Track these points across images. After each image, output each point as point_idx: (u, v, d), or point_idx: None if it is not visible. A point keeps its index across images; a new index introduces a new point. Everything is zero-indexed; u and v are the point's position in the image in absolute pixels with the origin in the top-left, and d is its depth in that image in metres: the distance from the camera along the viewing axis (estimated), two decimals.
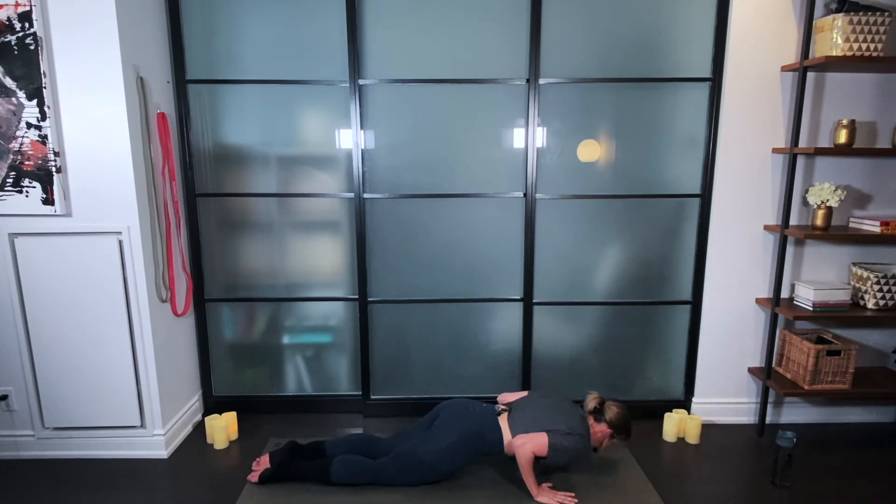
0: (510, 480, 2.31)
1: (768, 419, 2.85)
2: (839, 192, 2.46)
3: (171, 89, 2.62)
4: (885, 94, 2.58)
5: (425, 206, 2.74)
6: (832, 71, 2.52)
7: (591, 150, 2.70)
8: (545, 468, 2.40)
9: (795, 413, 2.86)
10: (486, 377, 2.91)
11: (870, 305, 2.56)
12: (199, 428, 2.80)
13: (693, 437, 2.66)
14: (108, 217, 2.32)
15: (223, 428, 2.60)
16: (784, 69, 2.53)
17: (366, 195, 2.71)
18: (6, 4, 2.11)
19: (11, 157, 2.23)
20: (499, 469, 2.40)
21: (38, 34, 2.14)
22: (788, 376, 2.67)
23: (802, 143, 2.61)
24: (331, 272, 2.83)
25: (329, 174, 2.73)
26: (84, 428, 2.50)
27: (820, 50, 2.42)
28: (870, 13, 2.30)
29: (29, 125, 2.21)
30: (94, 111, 2.24)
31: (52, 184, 2.25)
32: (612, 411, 2.27)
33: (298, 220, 2.78)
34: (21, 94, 2.19)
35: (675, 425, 2.67)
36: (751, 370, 2.79)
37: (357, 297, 2.83)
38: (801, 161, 2.63)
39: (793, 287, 2.73)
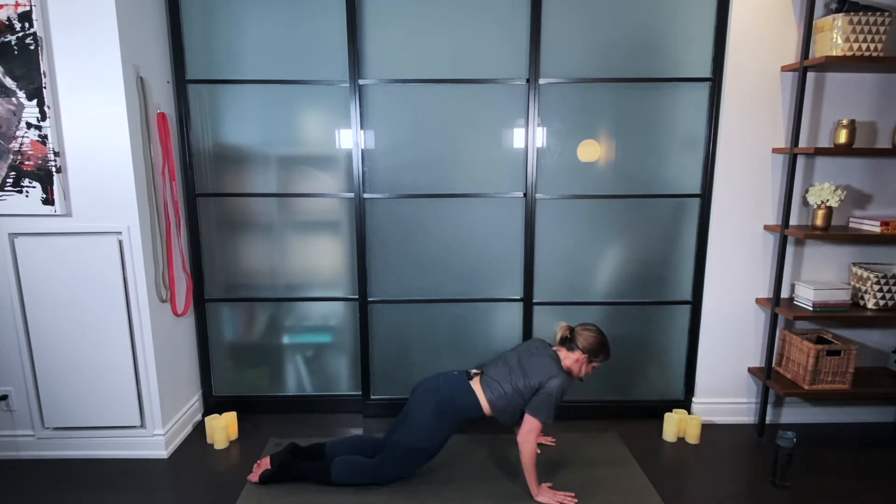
0: (510, 480, 2.31)
1: (768, 419, 2.85)
2: (839, 192, 2.46)
3: (171, 89, 2.62)
4: (885, 94, 2.58)
5: (425, 206, 2.74)
6: (832, 71, 2.52)
7: (591, 150, 2.70)
8: (547, 465, 2.40)
9: (795, 413, 2.86)
10: None
11: (870, 305, 2.56)
12: (199, 428, 2.80)
13: (693, 437, 2.66)
14: (108, 217, 2.32)
15: (223, 428, 2.60)
16: (784, 69, 2.53)
17: (366, 195, 2.71)
18: (6, 4, 2.11)
19: (11, 157, 2.23)
20: (499, 470, 2.40)
21: (38, 34, 2.14)
22: (788, 376, 2.67)
23: (802, 143, 2.61)
24: (331, 272, 2.83)
25: (329, 174, 2.73)
26: (84, 428, 2.50)
27: (820, 50, 2.42)
28: (870, 13, 2.30)
29: (29, 125, 2.21)
30: (94, 111, 2.24)
31: (52, 184, 2.25)
32: (583, 336, 2.22)
33: (298, 220, 2.78)
34: (21, 94, 2.19)
35: (675, 425, 2.67)
36: (751, 370, 2.79)
37: (357, 297, 2.83)
38: (801, 161, 2.63)
39: (793, 287, 2.73)
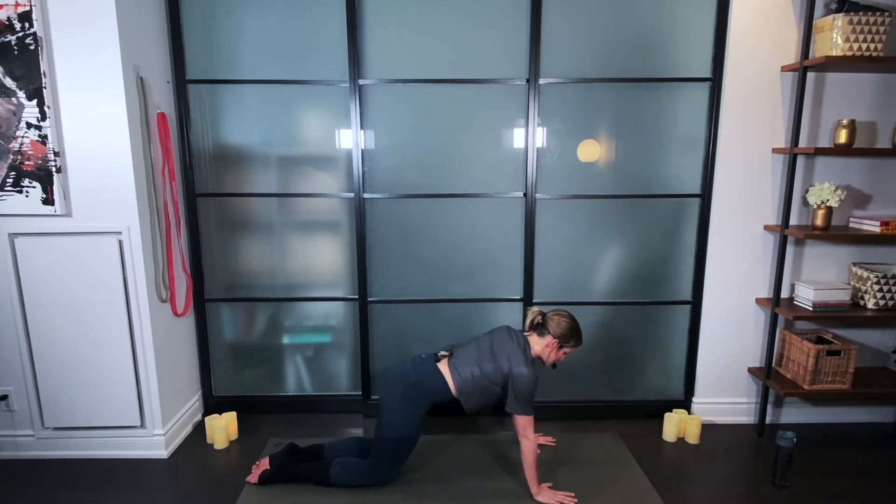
0: (510, 479, 2.31)
1: (768, 419, 2.85)
2: (839, 192, 2.46)
3: (171, 89, 2.62)
4: (885, 94, 2.58)
5: (425, 206, 2.74)
6: (832, 71, 2.52)
7: (591, 150, 2.70)
8: (547, 465, 2.40)
9: (795, 413, 2.86)
10: None
11: (870, 305, 2.56)
12: (199, 428, 2.80)
13: (693, 437, 2.66)
14: (108, 217, 2.32)
15: (223, 428, 2.60)
16: (784, 69, 2.53)
17: (366, 195, 2.71)
18: (6, 4, 2.11)
19: (11, 157, 2.23)
20: (499, 469, 2.40)
21: (38, 34, 2.14)
22: (788, 376, 2.67)
23: (802, 143, 2.61)
24: (331, 272, 2.83)
25: (329, 174, 2.73)
26: (84, 428, 2.50)
27: (820, 50, 2.42)
28: (870, 13, 2.30)
29: (29, 125, 2.21)
30: (94, 111, 2.24)
31: (52, 184, 2.25)
32: (554, 321, 2.21)
33: (298, 220, 2.78)
34: (21, 94, 2.19)
35: (675, 425, 2.67)
36: (751, 370, 2.79)
37: (357, 297, 2.83)
38: (801, 161, 2.63)
39: (793, 287, 2.73)
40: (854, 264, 2.66)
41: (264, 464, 2.31)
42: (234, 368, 2.93)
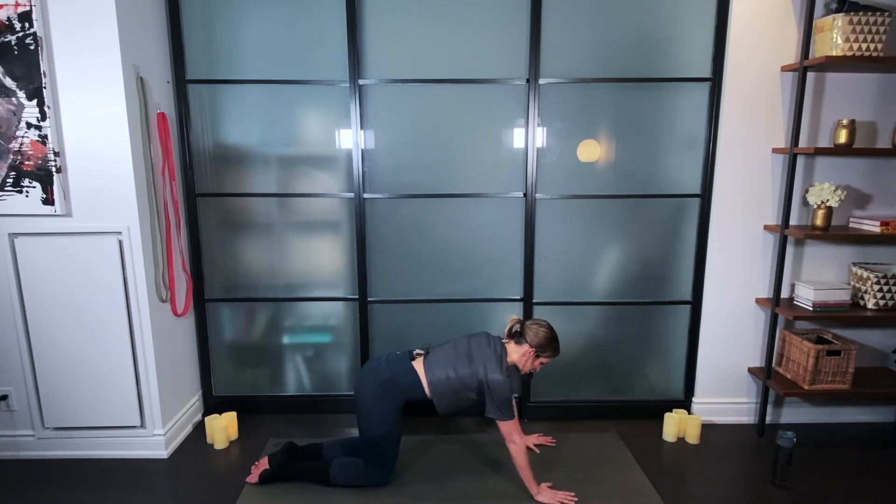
0: (510, 479, 2.31)
1: (768, 419, 2.85)
2: (839, 192, 2.46)
3: (171, 89, 2.62)
4: (885, 94, 2.58)
5: (425, 206, 2.74)
6: (832, 71, 2.52)
7: (591, 150, 2.69)
8: (547, 465, 2.40)
9: (795, 413, 2.86)
10: None
11: (870, 305, 2.56)
12: (199, 428, 2.80)
13: (693, 437, 2.66)
14: (108, 217, 2.32)
15: (223, 428, 2.60)
16: (784, 69, 2.53)
17: (366, 195, 2.71)
18: (6, 4, 2.11)
19: (11, 157, 2.23)
20: (499, 468, 2.40)
21: (38, 34, 2.14)
22: (788, 376, 2.67)
23: (802, 143, 2.61)
24: (331, 272, 2.83)
25: (329, 174, 2.73)
26: (84, 428, 2.50)
27: (820, 50, 2.42)
28: (870, 13, 2.30)
29: (29, 125, 2.21)
30: (94, 111, 2.24)
31: (52, 184, 2.25)
32: (532, 331, 2.20)
33: (298, 220, 2.78)
34: (21, 94, 2.19)
35: (675, 425, 2.67)
36: (751, 370, 2.79)
37: (357, 297, 2.83)
38: (801, 161, 2.63)
39: (793, 287, 2.73)
40: (854, 264, 2.66)
41: (263, 464, 2.31)
42: (234, 368, 2.93)
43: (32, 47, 2.15)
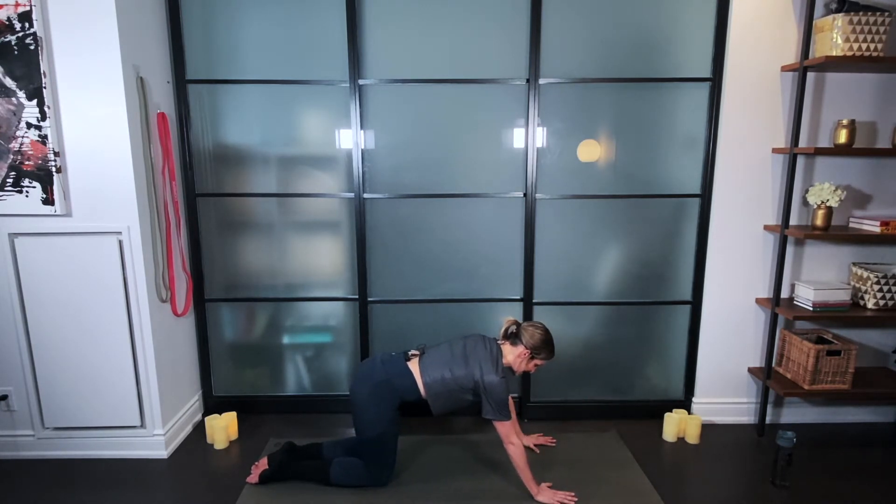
0: (510, 480, 2.31)
1: (768, 419, 2.85)
2: (839, 192, 2.46)
3: (171, 89, 2.62)
4: (885, 94, 2.58)
5: (425, 206, 2.74)
6: (832, 71, 2.52)
7: (591, 150, 2.69)
8: (547, 465, 2.40)
9: (795, 413, 2.86)
10: None
11: (870, 305, 2.56)
12: (199, 428, 2.80)
13: (693, 437, 2.66)
14: (108, 217, 2.32)
15: (223, 428, 2.60)
16: (784, 69, 2.53)
17: (366, 195, 2.71)
18: (6, 4, 2.11)
19: (11, 157, 2.23)
20: (499, 469, 2.40)
21: (38, 34, 2.14)
22: (788, 376, 2.67)
23: (802, 143, 2.61)
24: (331, 272, 2.83)
25: (329, 174, 2.73)
26: (84, 428, 2.50)
27: (820, 50, 2.42)
28: (870, 13, 2.30)
29: (29, 125, 2.21)
30: (94, 111, 2.24)
31: (52, 184, 2.25)
32: (528, 332, 2.21)
33: (298, 220, 2.78)
34: (21, 94, 2.19)
35: (675, 425, 2.67)
36: (751, 370, 2.79)
37: (357, 297, 2.83)
38: (801, 161, 2.63)
39: (793, 287, 2.73)
40: (854, 264, 2.66)
41: (263, 464, 2.31)
42: (234, 368, 2.93)
43: (32, 47, 2.15)
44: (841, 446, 2.64)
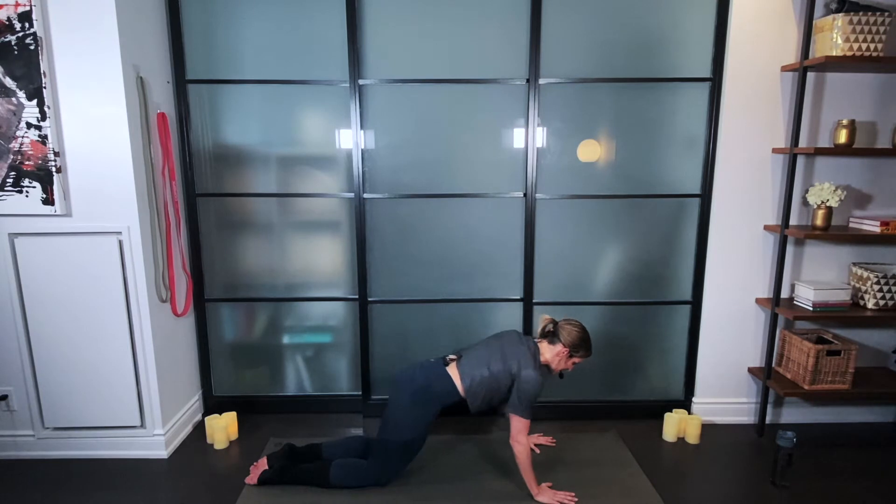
0: (510, 479, 2.31)
1: (768, 419, 2.85)
2: (839, 192, 2.46)
3: (171, 89, 2.62)
4: (885, 94, 2.58)
5: (425, 206, 2.74)
6: (832, 71, 2.52)
7: (591, 150, 2.69)
8: (547, 465, 2.40)
9: (795, 413, 2.86)
10: None
11: (870, 305, 2.56)
12: (199, 428, 2.80)
13: (693, 437, 2.66)
14: (108, 217, 2.32)
15: (223, 428, 2.60)
16: (784, 69, 2.53)
17: (366, 195, 2.71)
18: (6, 4, 2.11)
19: (11, 157, 2.23)
20: (499, 468, 2.40)
21: (38, 34, 2.14)
22: (788, 376, 2.67)
23: (802, 143, 2.61)
24: (331, 272, 2.83)
25: (329, 174, 2.73)
26: (84, 428, 2.50)
27: (820, 50, 2.42)
28: (870, 13, 2.30)
29: (29, 125, 2.21)
30: (94, 111, 2.24)
31: (52, 184, 2.25)
32: (565, 330, 2.21)
33: (298, 220, 2.78)
34: (21, 94, 2.19)
35: (675, 425, 2.67)
36: (751, 370, 2.79)
37: (357, 297, 2.83)
38: (801, 161, 2.63)
39: (793, 287, 2.73)
40: (854, 264, 2.66)
41: (262, 464, 2.31)
42: (234, 368, 2.93)
43: (32, 47, 2.15)
44: (841, 446, 2.64)
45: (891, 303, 2.56)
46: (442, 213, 2.75)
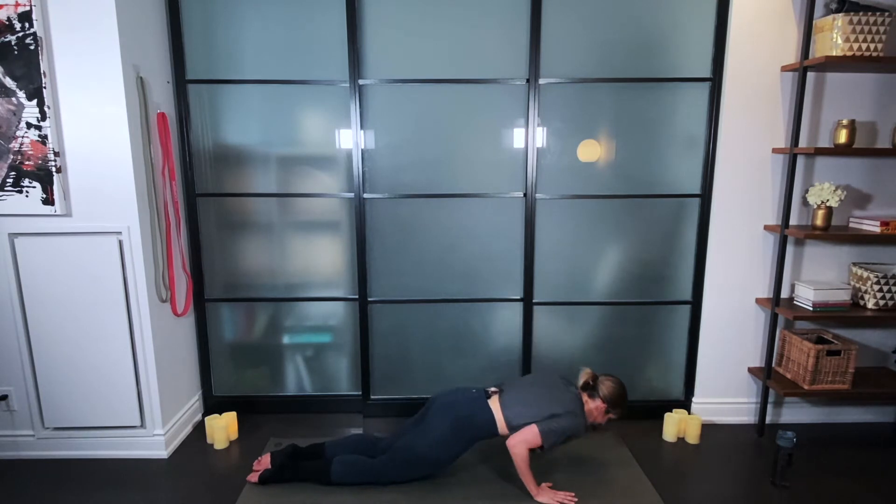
0: (510, 480, 2.31)
1: (768, 419, 2.85)
2: (839, 192, 2.46)
3: (171, 89, 2.62)
4: (885, 94, 2.58)
5: (425, 206, 2.74)
6: (832, 71, 2.52)
7: (591, 150, 2.70)
8: (546, 465, 2.40)
9: (795, 413, 2.86)
10: (485, 377, 2.91)
11: (870, 305, 2.56)
12: (199, 428, 2.80)
13: (693, 437, 2.66)
14: (108, 217, 2.32)
15: (223, 428, 2.60)
16: (784, 69, 2.53)
17: (366, 195, 2.71)
18: (6, 4, 2.11)
19: (11, 157, 2.23)
20: (498, 469, 2.40)
21: (38, 34, 2.14)
22: (788, 376, 2.67)
23: (802, 143, 2.61)
24: (331, 272, 2.83)
25: (329, 174, 2.73)
26: (84, 428, 2.50)
27: (820, 50, 2.42)
28: (870, 13, 2.30)
29: (29, 125, 2.21)
30: (94, 111, 2.24)
31: (52, 184, 2.25)
32: (605, 386, 2.22)
33: (298, 220, 2.78)
34: (21, 94, 2.19)
35: (675, 425, 2.67)
36: (751, 370, 2.79)
37: (357, 297, 2.83)
38: (801, 161, 2.63)
39: (793, 287, 2.73)
40: (854, 264, 2.66)
41: (265, 461, 2.32)
42: (234, 368, 2.93)
43: (32, 47, 2.15)
44: (841, 446, 2.64)
45: (891, 303, 2.56)
46: (442, 213, 2.75)
